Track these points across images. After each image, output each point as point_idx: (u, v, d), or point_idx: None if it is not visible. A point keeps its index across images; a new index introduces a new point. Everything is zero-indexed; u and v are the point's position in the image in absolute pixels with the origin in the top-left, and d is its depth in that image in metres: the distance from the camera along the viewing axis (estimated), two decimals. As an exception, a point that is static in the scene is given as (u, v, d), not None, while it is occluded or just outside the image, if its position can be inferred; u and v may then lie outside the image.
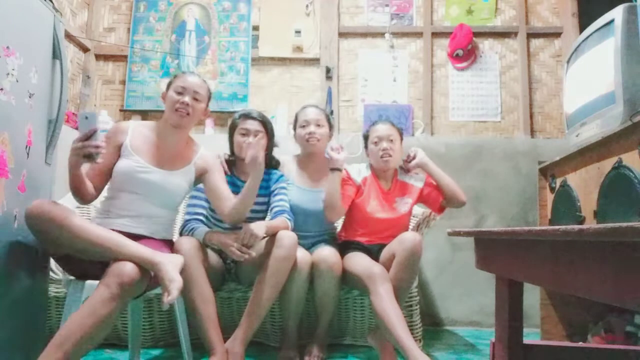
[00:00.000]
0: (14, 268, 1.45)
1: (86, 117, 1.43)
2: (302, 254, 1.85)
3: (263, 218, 2.03)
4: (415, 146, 2.17)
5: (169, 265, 1.42)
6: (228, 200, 1.77)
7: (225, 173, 1.97)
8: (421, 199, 2.12)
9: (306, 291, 1.89)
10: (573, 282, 0.76)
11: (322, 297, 1.91)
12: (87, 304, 1.33)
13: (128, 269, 1.37)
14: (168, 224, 1.77)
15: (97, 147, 1.43)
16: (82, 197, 1.60)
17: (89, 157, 1.44)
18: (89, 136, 1.42)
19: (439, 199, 2.08)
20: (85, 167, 1.55)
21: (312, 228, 2.08)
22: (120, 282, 1.34)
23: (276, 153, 2.14)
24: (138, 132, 1.73)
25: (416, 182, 2.11)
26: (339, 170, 1.96)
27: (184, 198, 1.84)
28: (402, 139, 2.09)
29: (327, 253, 1.87)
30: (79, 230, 1.39)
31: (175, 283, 1.38)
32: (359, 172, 2.10)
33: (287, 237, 1.78)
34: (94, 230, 1.43)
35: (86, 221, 1.46)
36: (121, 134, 1.70)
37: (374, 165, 2.10)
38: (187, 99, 1.70)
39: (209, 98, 1.82)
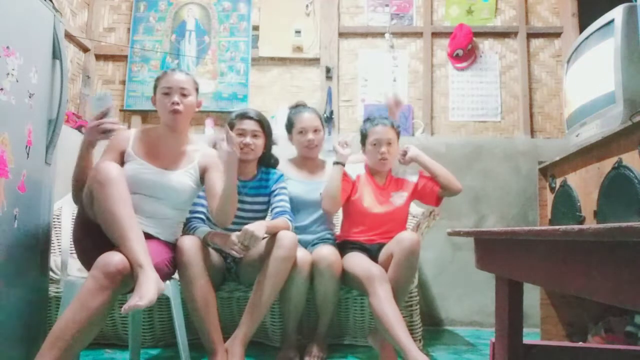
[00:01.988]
0: (14, 268, 1.45)
1: (99, 99, 1.55)
2: (302, 253, 1.86)
3: (263, 218, 2.04)
4: (415, 146, 2.17)
5: (152, 278, 1.36)
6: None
7: None
8: (416, 193, 2.14)
9: (306, 291, 1.89)
10: (573, 282, 0.76)
11: (321, 296, 1.91)
12: (76, 298, 1.32)
13: (115, 259, 1.35)
14: (175, 225, 1.78)
15: (113, 122, 1.52)
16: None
17: (106, 132, 1.52)
18: (104, 114, 1.51)
19: (435, 190, 2.10)
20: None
21: (309, 218, 2.11)
22: (106, 272, 1.33)
23: (278, 156, 2.16)
24: (139, 137, 1.76)
25: (410, 177, 2.15)
26: (343, 165, 2.01)
27: (192, 198, 1.84)
28: (399, 138, 2.12)
29: (326, 252, 1.88)
30: (112, 195, 1.40)
31: (150, 295, 1.30)
32: (354, 170, 2.13)
33: (287, 238, 1.78)
34: (122, 207, 1.42)
35: (125, 197, 1.44)
36: (123, 141, 1.72)
37: (370, 165, 2.14)
38: (175, 98, 1.70)
39: (197, 89, 1.82)
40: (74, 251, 1.63)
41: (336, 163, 2.01)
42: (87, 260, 1.56)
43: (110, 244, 1.44)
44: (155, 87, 1.78)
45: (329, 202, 2.02)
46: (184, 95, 1.72)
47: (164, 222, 1.70)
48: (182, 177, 1.74)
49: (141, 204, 1.66)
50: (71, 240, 1.64)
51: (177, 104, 1.70)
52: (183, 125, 1.77)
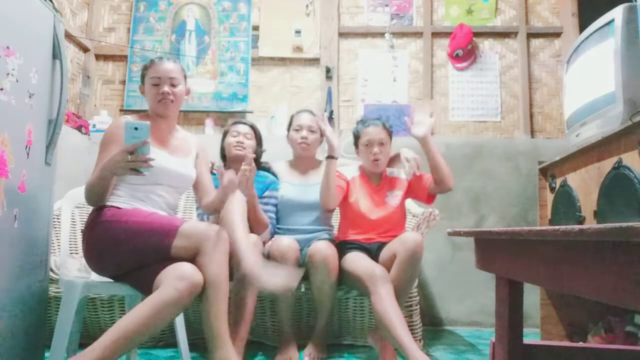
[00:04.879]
0: (14, 268, 1.45)
1: (135, 128, 1.39)
2: (288, 241, 1.90)
3: None
4: (414, 146, 2.16)
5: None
6: (207, 193, 1.81)
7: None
8: (410, 191, 2.15)
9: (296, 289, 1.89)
10: (573, 282, 0.76)
11: (317, 290, 1.91)
12: (151, 305, 1.31)
13: (197, 273, 1.38)
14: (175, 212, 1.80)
15: (147, 160, 1.40)
16: (104, 199, 1.55)
17: (136, 171, 1.42)
18: (137, 147, 1.39)
19: (426, 186, 2.09)
20: None
21: (305, 220, 2.15)
22: (191, 285, 1.35)
23: (276, 156, 2.29)
24: None
25: (403, 175, 2.17)
26: (336, 158, 1.99)
27: None
28: (391, 139, 2.14)
29: (320, 245, 1.89)
30: None
31: None
32: (349, 172, 2.16)
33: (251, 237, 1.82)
34: None
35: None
36: None
37: (364, 165, 2.17)
38: (166, 88, 1.68)
39: (185, 76, 1.79)
40: (74, 251, 1.62)
41: (329, 157, 1.99)
42: (99, 264, 1.55)
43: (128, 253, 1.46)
44: (142, 76, 1.75)
45: (325, 197, 2.02)
46: (173, 85, 1.70)
47: (172, 210, 1.72)
48: (190, 165, 1.76)
49: (164, 194, 1.65)
50: (70, 240, 1.63)
51: (168, 94, 1.68)
52: (174, 114, 1.76)
